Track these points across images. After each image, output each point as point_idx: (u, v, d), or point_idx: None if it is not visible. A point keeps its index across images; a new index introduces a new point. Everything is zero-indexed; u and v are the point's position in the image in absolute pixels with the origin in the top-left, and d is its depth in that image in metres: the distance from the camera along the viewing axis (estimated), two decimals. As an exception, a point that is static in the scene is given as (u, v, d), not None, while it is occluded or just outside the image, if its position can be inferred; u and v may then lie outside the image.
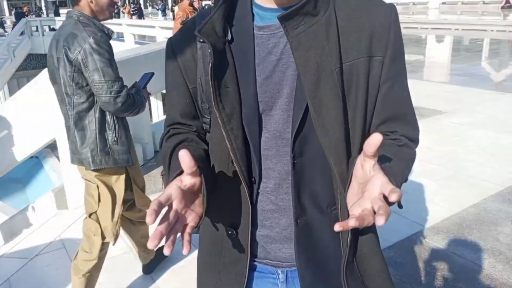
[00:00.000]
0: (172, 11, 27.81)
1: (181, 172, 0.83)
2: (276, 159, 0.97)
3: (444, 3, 30.64)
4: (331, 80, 0.89)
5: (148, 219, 0.68)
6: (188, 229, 0.79)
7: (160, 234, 0.70)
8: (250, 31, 0.93)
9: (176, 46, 1.04)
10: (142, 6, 43.02)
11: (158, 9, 32.22)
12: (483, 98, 7.15)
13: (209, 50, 0.88)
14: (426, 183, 4.00)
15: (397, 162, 0.89)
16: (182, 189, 0.80)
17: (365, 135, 0.94)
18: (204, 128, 1.05)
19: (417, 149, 1.00)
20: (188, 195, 0.82)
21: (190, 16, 6.31)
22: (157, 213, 0.70)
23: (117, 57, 4.58)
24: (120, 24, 15.72)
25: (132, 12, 31.82)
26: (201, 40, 0.90)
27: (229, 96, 0.92)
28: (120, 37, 17.89)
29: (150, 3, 65.24)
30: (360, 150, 0.86)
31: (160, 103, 8.92)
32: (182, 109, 1.05)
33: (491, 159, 4.57)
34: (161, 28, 12.68)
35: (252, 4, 0.95)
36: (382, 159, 0.85)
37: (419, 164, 4.35)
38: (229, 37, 0.93)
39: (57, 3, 50.45)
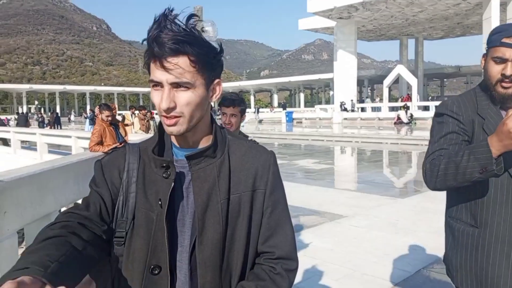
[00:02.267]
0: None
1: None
2: (181, 267, 1.18)
3: (345, 118, 34.34)
4: (215, 208, 1.15)
5: None
6: None
7: None
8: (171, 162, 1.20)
9: (106, 165, 1.25)
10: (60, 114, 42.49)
11: (86, 118, 32.70)
12: (378, 203, 7.99)
13: (170, 171, 1.15)
14: (327, 281, 4.34)
15: None
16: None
17: (248, 252, 1.20)
18: (115, 242, 1.19)
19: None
20: None
21: (106, 129, 6.56)
22: None
23: (30, 170, 4.65)
24: (34, 134, 15.45)
25: (48, 121, 31.43)
26: (164, 164, 1.16)
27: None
28: (33, 146, 17.40)
29: (74, 111, 64.63)
30: (243, 264, 1.18)
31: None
32: (97, 209, 1.18)
33: (384, 258, 5.10)
34: (77, 138, 12.68)
35: (171, 143, 1.24)
36: None
37: (322, 264, 4.72)
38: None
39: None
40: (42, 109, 67.14)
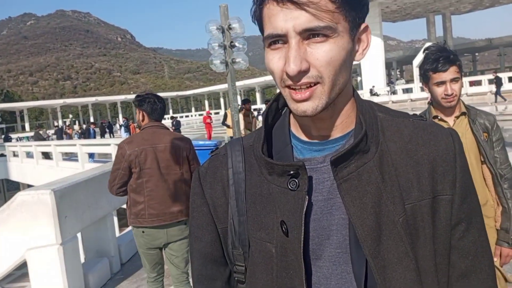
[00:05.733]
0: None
1: None
2: None
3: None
4: (395, 233, 0.74)
5: None
6: None
7: None
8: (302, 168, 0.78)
9: (204, 179, 0.88)
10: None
11: (121, 126, 33.88)
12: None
13: (299, 181, 0.76)
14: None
15: None
16: None
17: None
18: (236, 278, 0.87)
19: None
20: None
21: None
22: None
23: (84, 175, 4.87)
24: (74, 145, 16.00)
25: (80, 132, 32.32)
26: (291, 171, 0.76)
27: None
28: (74, 157, 18.06)
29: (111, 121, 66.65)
30: None
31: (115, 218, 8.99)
32: (209, 253, 0.89)
33: None
34: (115, 145, 13.05)
35: (290, 136, 0.83)
36: None
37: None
38: None
39: (5, 130, 50.44)
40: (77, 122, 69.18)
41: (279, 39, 0.70)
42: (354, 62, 0.80)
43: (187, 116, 69.47)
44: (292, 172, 0.75)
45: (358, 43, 0.76)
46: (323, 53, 0.69)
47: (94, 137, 27.76)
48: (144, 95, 3.42)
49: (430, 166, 0.78)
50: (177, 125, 23.41)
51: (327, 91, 0.71)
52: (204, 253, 0.88)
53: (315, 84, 0.70)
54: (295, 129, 0.82)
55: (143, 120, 3.39)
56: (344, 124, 0.79)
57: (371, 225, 0.73)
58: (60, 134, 29.93)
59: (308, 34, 0.68)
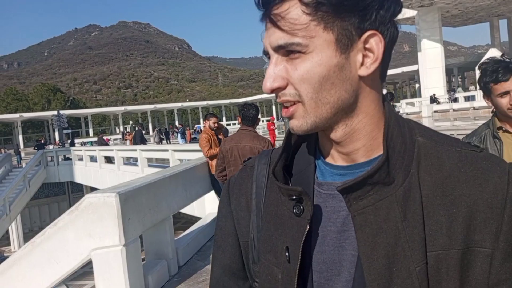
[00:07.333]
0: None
1: None
2: None
3: (436, 111, 32.43)
4: (408, 284, 0.64)
5: None
6: None
7: None
8: (310, 186, 0.74)
9: (232, 190, 0.86)
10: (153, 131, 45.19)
11: (177, 132, 34.86)
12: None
13: (303, 206, 0.70)
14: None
15: None
16: None
17: None
18: None
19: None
20: None
21: (212, 138, 6.89)
22: None
23: (146, 180, 5.05)
24: (134, 150, 16.70)
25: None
26: (293, 195, 0.71)
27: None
28: (134, 162, 18.85)
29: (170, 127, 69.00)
30: None
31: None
32: (228, 265, 0.85)
33: None
34: (173, 151, 13.47)
35: (316, 153, 0.77)
36: None
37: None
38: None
39: (71, 135, 53.65)
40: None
41: (269, 56, 0.70)
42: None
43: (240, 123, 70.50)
44: (294, 196, 0.70)
45: (363, 53, 0.67)
46: (296, 70, 0.66)
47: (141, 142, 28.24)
48: (242, 105, 4.67)
49: (467, 210, 0.65)
50: (225, 133, 24.16)
51: (309, 110, 0.67)
52: (224, 264, 0.86)
53: (294, 103, 0.68)
54: (322, 147, 0.76)
55: (240, 123, 4.83)
56: (369, 147, 0.70)
57: (380, 269, 0.64)
58: (100, 142, 30.27)
59: (285, 50, 0.66)
